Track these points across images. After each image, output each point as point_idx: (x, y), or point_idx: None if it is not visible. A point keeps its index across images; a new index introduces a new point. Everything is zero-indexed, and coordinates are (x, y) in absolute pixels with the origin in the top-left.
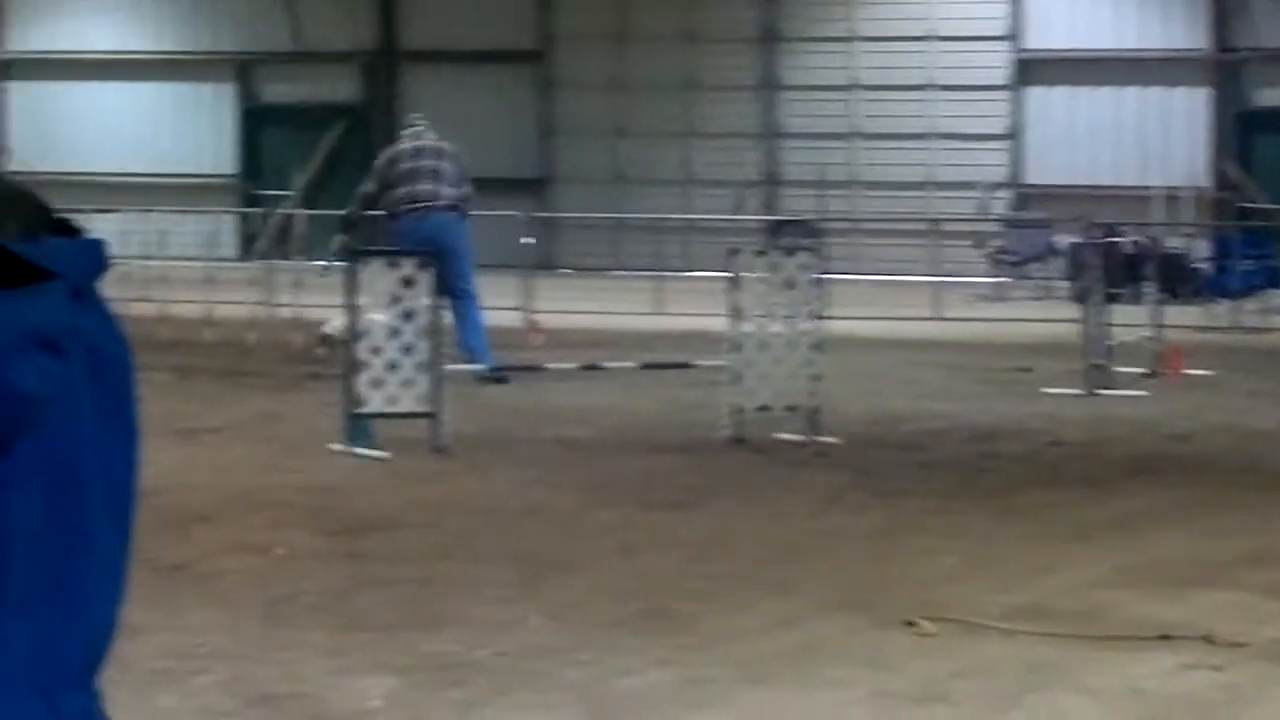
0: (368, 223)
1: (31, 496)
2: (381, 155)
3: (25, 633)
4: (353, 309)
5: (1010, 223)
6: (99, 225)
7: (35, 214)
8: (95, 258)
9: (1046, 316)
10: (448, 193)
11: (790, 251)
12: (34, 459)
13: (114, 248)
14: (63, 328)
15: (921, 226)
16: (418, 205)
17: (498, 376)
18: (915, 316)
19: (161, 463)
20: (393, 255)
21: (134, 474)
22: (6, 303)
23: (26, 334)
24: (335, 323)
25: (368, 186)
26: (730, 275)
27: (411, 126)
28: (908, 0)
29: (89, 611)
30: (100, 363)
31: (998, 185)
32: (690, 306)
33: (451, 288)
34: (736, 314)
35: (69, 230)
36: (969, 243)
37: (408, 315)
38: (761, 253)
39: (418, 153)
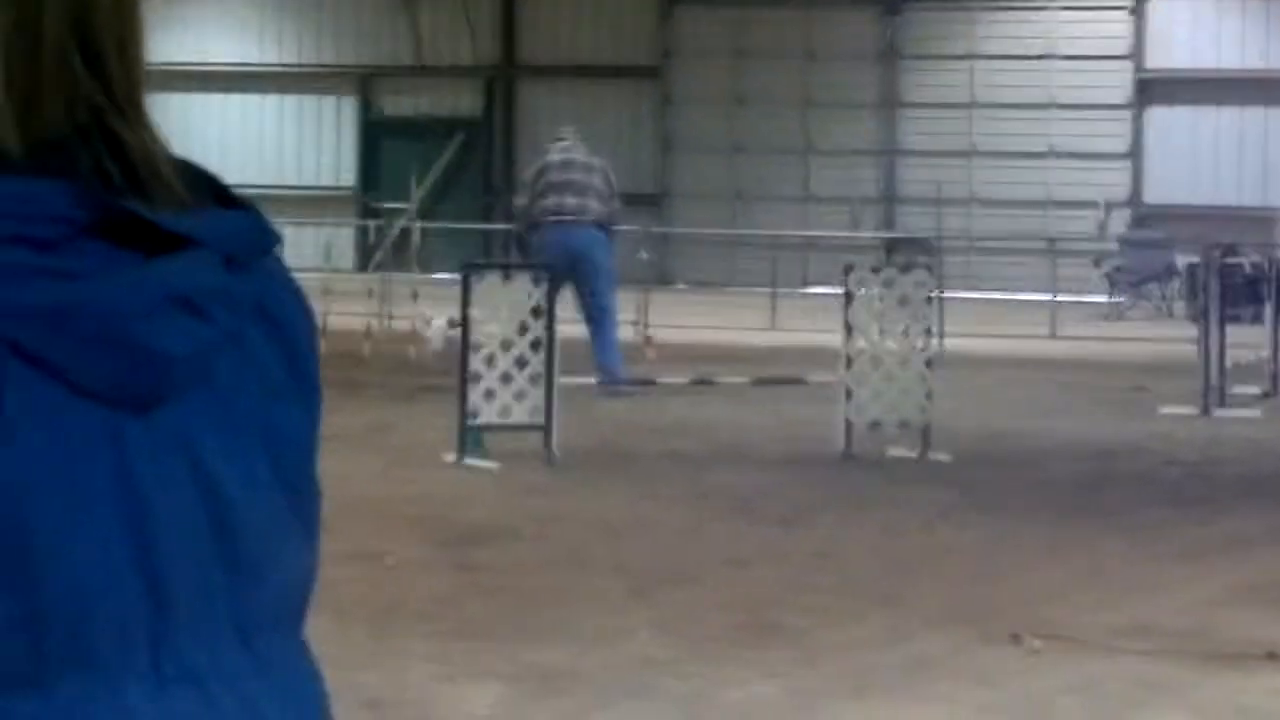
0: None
1: (211, 444)
2: (530, 167)
3: (222, 582)
4: (467, 321)
5: (1128, 242)
6: None
7: (201, 185)
8: (253, 230)
9: (1163, 336)
10: (594, 208)
11: (905, 268)
12: (208, 412)
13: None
14: (206, 291)
15: (1039, 245)
16: (563, 218)
17: (622, 390)
18: (1031, 335)
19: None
20: (509, 268)
21: (311, 439)
22: (147, 268)
23: (166, 296)
24: (437, 323)
25: (520, 200)
26: (845, 292)
27: (560, 140)
28: (1029, 19)
29: (270, 566)
30: (276, 329)
31: (1116, 205)
32: (805, 323)
33: (589, 305)
34: (850, 330)
35: (232, 203)
36: (1087, 261)
37: (523, 329)
38: (876, 269)
39: (566, 165)
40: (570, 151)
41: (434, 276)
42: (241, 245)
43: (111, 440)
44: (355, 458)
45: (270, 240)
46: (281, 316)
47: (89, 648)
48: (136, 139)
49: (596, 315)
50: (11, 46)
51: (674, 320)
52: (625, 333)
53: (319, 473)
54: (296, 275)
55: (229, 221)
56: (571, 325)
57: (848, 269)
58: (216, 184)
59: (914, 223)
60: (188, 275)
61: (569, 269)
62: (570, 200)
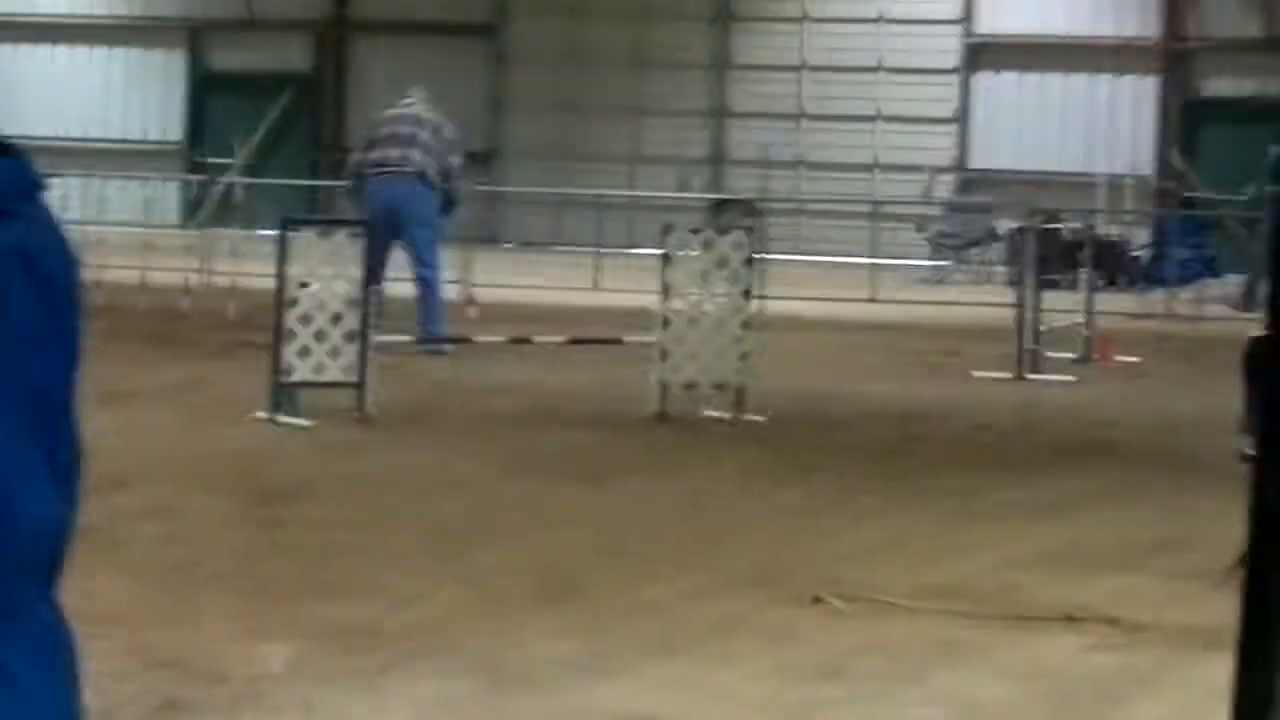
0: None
1: None
2: (368, 122)
3: None
4: (283, 278)
5: (952, 207)
6: None
7: None
8: (15, 175)
9: (982, 301)
10: (417, 160)
11: (724, 230)
12: None
13: (54, 213)
14: None
15: (864, 209)
16: (384, 170)
17: (439, 348)
18: (853, 298)
19: (83, 425)
20: (325, 225)
21: (71, 389)
22: None
23: None
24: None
25: (354, 155)
26: (663, 253)
27: (405, 99)
28: None
29: (21, 515)
30: (37, 276)
31: (942, 169)
32: (628, 284)
33: (411, 262)
34: (667, 291)
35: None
36: (911, 226)
37: (304, 283)
38: (695, 230)
39: (396, 119)
40: (408, 109)
41: (257, 233)
42: (13, 194)
43: None
44: (165, 414)
45: (34, 185)
46: (44, 264)
47: None
48: None
49: (419, 270)
50: None
51: (498, 280)
52: (449, 292)
53: (79, 421)
54: (118, 230)
55: None
56: (398, 283)
57: (666, 230)
58: None
59: (742, 185)
60: None
61: (389, 222)
62: (393, 153)
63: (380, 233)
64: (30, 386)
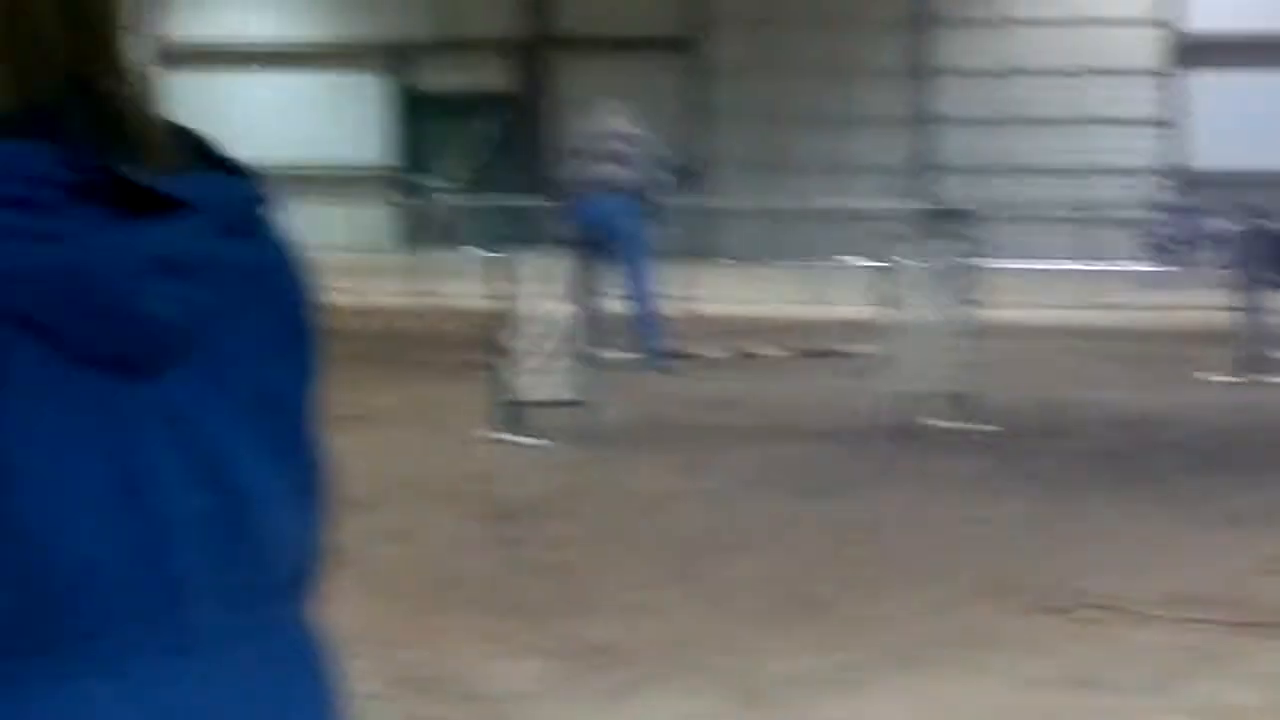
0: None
1: (210, 411)
2: (572, 140)
3: (220, 550)
4: (503, 298)
5: (1169, 209)
6: None
7: (197, 150)
8: (248, 195)
9: (1204, 303)
10: (626, 177)
11: (945, 238)
12: (205, 379)
13: (287, 233)
14: (200, 256)
15: (1080, 213)
16: (597, 186)
17: (662, 365)
18: (1071, 304)
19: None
20: (542, 244)
21: (310, 408)
22: (139, 232)
23: (158, 261)
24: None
25: (561, 172)
26: (884, 263)
27: (603, 113)
28: None
29: (270, 534)
30: (273, 295)
31: (1159, 171)
32: (847, 294)
33: (625, 277)
34: (890, 301)
35: (228, 167)
36: (1129, 229)
37: (563, 305)
38: (916, 240)
39: (604, 136)
40: (610, 123)
41: (471, 253)
42: (236, 210)
43: (109, 407)
44: (397, 435)
45: (266, 205)
46: (278, 283)
47: (84, 620)
48: (128, 102)
49: (633, 285)
50: (1, 9)
51: (716, 294)
52: (667, 307)
53: (318, 439)
54: (337, 254)
55: (223, 185)
56: (613, 300)
57: (884, 239)
58: (212, 149)
59: (955, 192)
60: (178, 239)
61: (601, 238)
62: (605, 168)
63: (596, 247)
64: (276, 404)
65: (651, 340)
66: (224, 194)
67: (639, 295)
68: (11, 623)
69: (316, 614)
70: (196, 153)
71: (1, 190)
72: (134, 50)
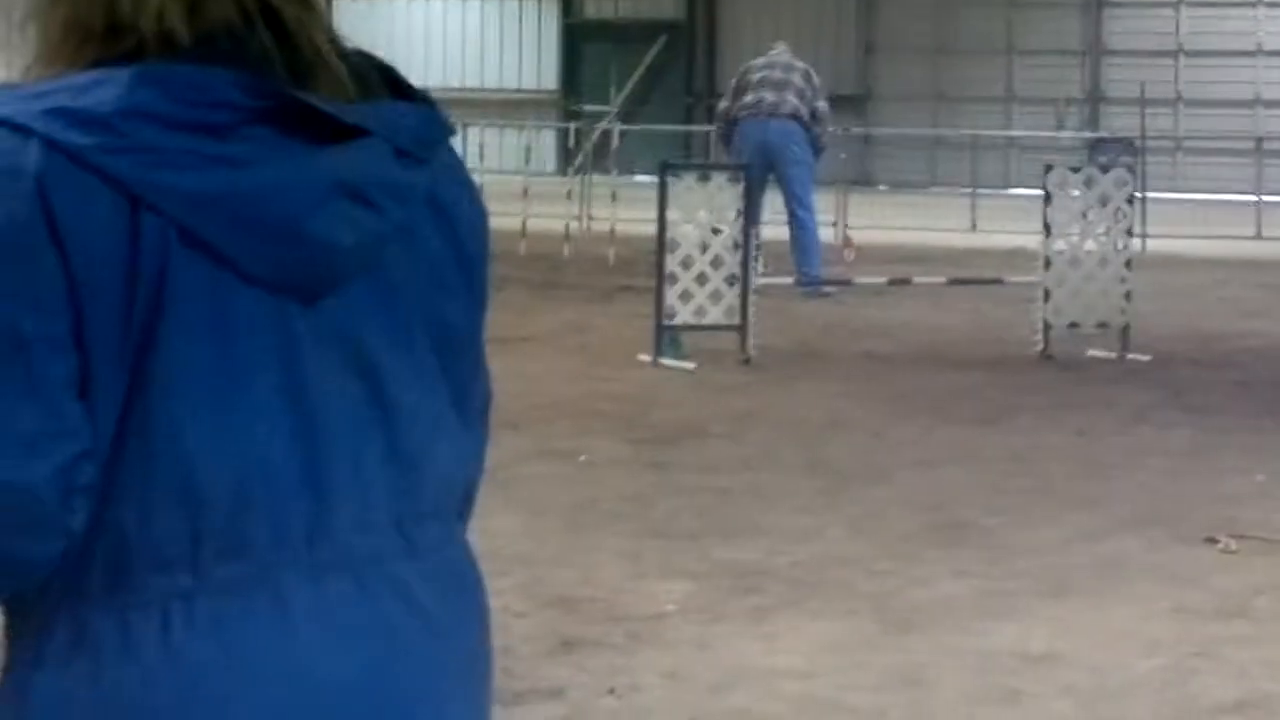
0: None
1: (375, 335)
2: (738, 69)
3: (379, 471)
4: (663, 222)
5: None
6: None
7: (374, 77)
8: (425, 122)
9: None
10: (791, 102)
11: (1105, 168)
12: (373, 303)
13: (462, 161)
14: (375, 182)
15: (1247, 145)
16: (759, 112)
17: (819, 290)
18: (1236, 235)
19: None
20: (703, 169)
21: (478, 334)
22: (315, 157)
23: (333, 186)
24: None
25: (723, 102)
26: (1044, 191)
27: (773, 48)
28: None
29: (428, 456)
30: (447, 222)
31: None
32: (1005, 224)
33: (787, 200)
34: (1049, 230)
35: (407, 94)
36: None
37: (716, 229)
38: (1076, 169)
39: (769, 65)
40: (778, 56)
41: (634, 179)
42: (411, 137)
43: (276, 327)
44: (552, 358)
45: (443, 133)
46: (453, 211)
47: (245, 535)
48: (304, 29)
49: (793, 210)
50: None
51: (874, 221)
52: (825, 234)
53: (487, 366)
54: (497, 178)
55: (399, 113)
56: (773, 226)
57: (1047, 169)
58: (392, 75)
59: (1119, 123)
60: (356, 165)
61: (765, 162)
62: (768, 96)
63: (756, 173)
64: (442, 329)
65: (810, 266)
66: (400, 121)
67: (800, 220)
68: (182, 541)
69: (470, 534)
70: (377, 79)
71: (182, 114)
72: None
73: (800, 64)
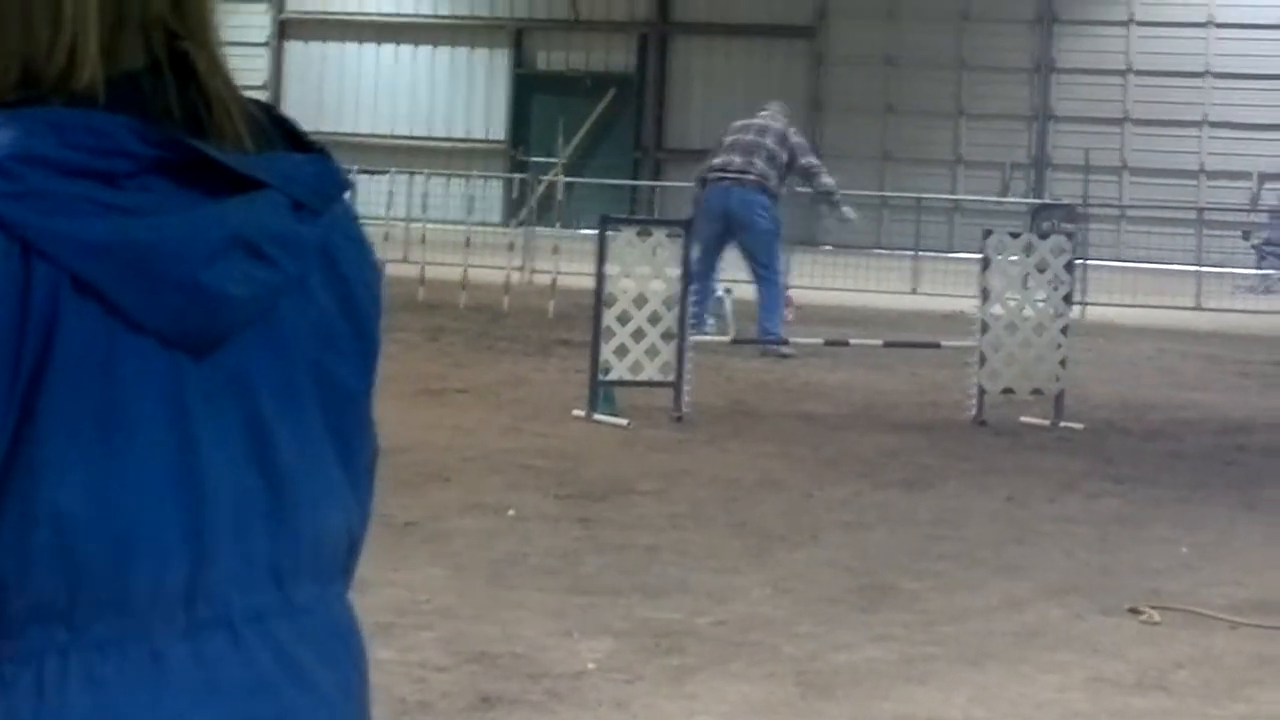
0: None
1: (265, 390)
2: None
3: (262, 528)
4: (602, 277)
5: (1278, 214)
6: (365, 186)
7: (271, 129)
8: (321, 174)
9: None
10: (759, 167)
11: (1045, 234)
12: (263, 356)
13: (378, 209)
14: (270, 235)
15: (1189, 215)
16: (725, 177)
17: (777, 350)
18: (1176, 306)
19: (405, 421)
20: (644, 224)
21: (367, 391)
22: (211, 209)
23: (229, 239)
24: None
25: (706, 160)
26: (983, 256)
27: (763, 109)
28: None
29: (311, 514)
30: (339, 277)
31: (1269, 176)
32: (947, 287)
33: (750, 268)
34: (987, 295)
35: (306, 147)
36: (1237, 233)
37: (656, 285)
38: (1016, 234)
39: (744, 127)
40: (759, 118)
41: (579, 231)
42: (308, 189)
43: (166, 380)
44: (486, 411)
45: (339, 186)
46: (345, 266)
47: (122, 591)
48: (210, 78)
49: (757, 273)
50: None
51: (817, 281)
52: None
53: (373, 421)
54: (441, 227)
55: (296, 165)
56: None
57: (986, 233)
58: (289, 126)
59: (1064, 190)
60: (252, 218)
61: (726, 229)
62: (736, 159)
63: (715, 236)
64: (330, 385)
65: (772, 324)
66: (297, 173)
67: (765, 280)
68: (59, 593)
69: (392, 587)
70: (275, 131)
71: (77, 161)
72: (217, 28)
73: (779, 124)
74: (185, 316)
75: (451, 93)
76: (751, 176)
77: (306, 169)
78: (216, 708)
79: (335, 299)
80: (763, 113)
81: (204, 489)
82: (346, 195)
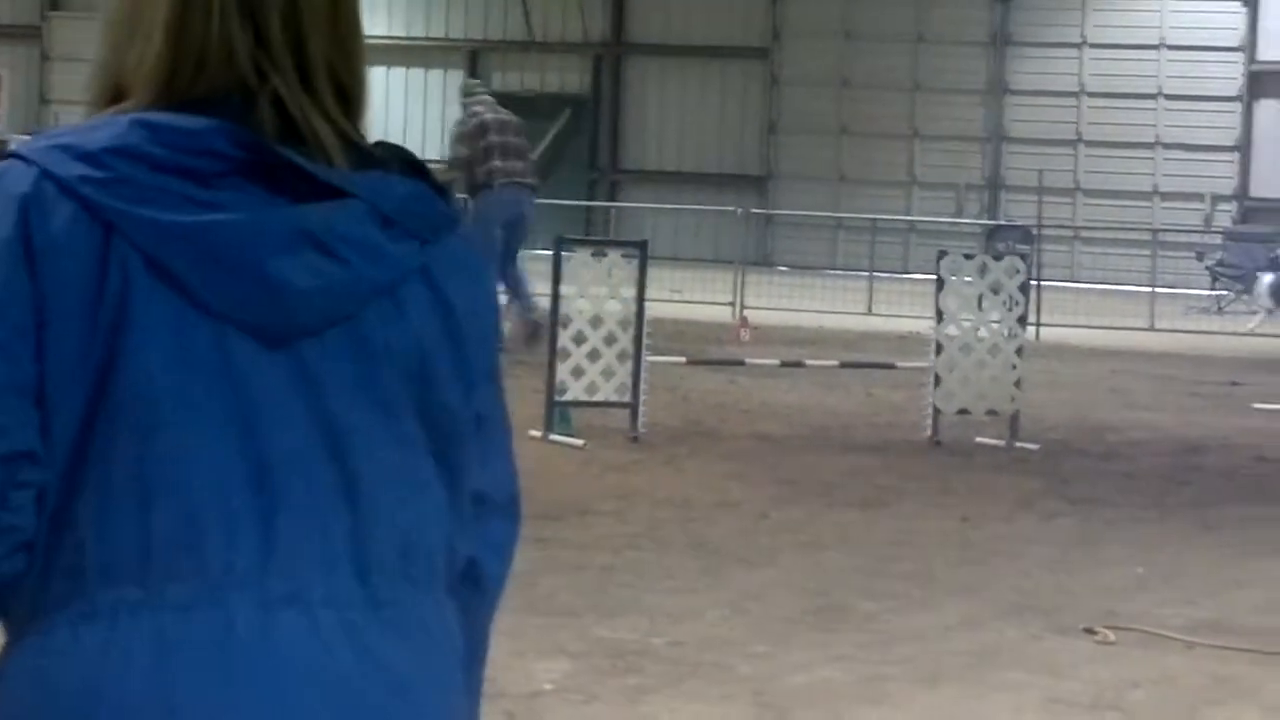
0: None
1: (344, 390)
2: (464, 122)
3: (338, 519)
4: (556, 297)
5: (1232, 236)
6: None
7: (388, 158)
8: (416, 195)
9: (1263, 331)
10: (530, 170)
11: (999, 256)
12: (346, 360)
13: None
14: (342, 236)
15: (1143, 236)
16: (518, 182)
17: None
18: (1129, 326)
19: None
20: (599, 244)
21: (471, 419)
22: (288, 209)
23: (298, 233)
24: None
25: (460, 151)
26: (937, 277)
27: (475, 94)
28: (1141, 8)
29: (391, 517)
30: (443, 304)
31: (1222, 198)
32: (902, 308)
33: (520, 258)
34: (941, 316)
35: (411, 169)
36: (1190, 255)
37: (611, 305)
38: (970, 255)
39: (503, 126)
40: (496, 111)
41: (534, 252)
42: (397, 205)
43: (234, 362)
44: None
45: (443, 216)
46: (452, 293)
47: (198, 559)
48: (296, 101)
49: (519, 269)
50: (190, 10)
51: (772, 302)
52: (722, 313)
53: (508, 458)
54: None
55: (389, 184)
56: (663, 304)
57: (940, 254)
58: (411, 159)
59: (1019, 211)
60: (326, 219)
61: (515, 229)
62: (516, 164)
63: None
64: (429, 406)
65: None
66: (387, 189)
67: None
68: (130, 560)
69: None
70: (394, 160)
71: (167, 158)
72: (321, 59)
73: (517, 120)
74: (252, 302)
75: (407, 113)
76: (531, 180)
77: (398, 189)
78: (281, 682)
79: (438, 320)
80: (480, 97)
81: (271, 469)
82: (459, 228)
